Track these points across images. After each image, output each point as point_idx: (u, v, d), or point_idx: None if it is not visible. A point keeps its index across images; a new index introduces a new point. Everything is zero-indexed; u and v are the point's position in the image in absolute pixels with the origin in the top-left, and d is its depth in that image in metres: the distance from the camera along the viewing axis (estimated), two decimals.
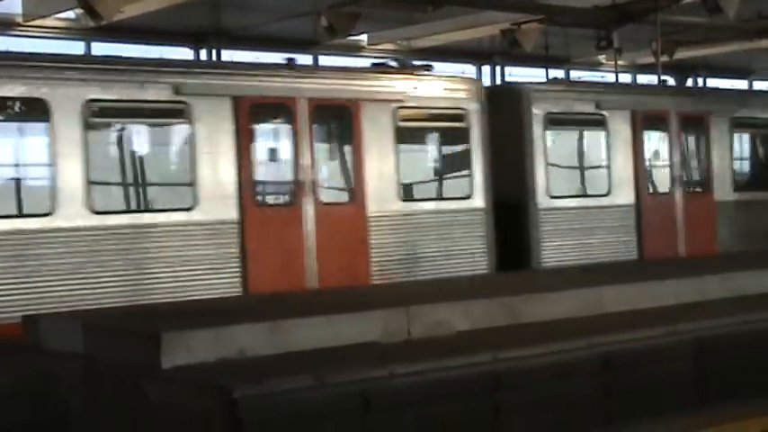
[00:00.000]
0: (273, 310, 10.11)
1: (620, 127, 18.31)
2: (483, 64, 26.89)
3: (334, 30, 19.76)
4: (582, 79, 26.92)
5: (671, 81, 27.86)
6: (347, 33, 20.93)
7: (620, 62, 24.20)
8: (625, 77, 27.80)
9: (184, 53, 22.70)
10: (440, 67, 25.47)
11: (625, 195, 18.31)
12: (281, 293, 13.25)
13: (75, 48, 21.31)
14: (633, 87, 24.39)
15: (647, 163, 18.89)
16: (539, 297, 10.67)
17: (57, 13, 20.53)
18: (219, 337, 8.38)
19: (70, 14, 20.87)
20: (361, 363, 8.20)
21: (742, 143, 21.04)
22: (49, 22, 20.85)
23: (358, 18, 19.82)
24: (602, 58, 27.77)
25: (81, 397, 8.76)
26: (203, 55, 22.66)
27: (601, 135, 18.32)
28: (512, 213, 17.20)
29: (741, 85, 31.20)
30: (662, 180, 19.17)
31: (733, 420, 7.23)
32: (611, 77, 25.78)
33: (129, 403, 8.17)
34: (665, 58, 23.18)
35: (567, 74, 28.16)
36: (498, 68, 26.69)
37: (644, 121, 18.66)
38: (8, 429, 8.75)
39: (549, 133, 17.67)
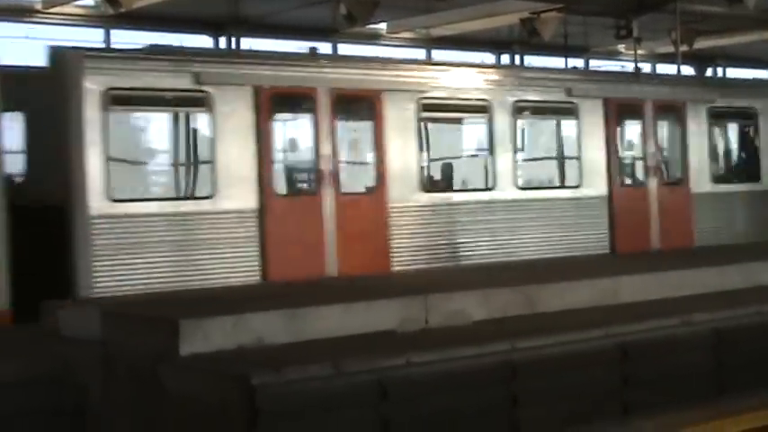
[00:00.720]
0: (292, 298, 10.13)
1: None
2: (502, 53, 26.78)
3: (353, 18, 19.70)
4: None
5: (690, 70, 27.79)
6: (366, 22, 20.90)
7: (639, 51, 24.09)
8: (645, 66, 27.67)
9: (204, 41, 22.73)
10: (459, 56, 25.56)
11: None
12: (298, 281, 13.27)
13: (95, 35, 21.33)
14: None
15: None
16: (555, 286, 10.65)
17: (76, 0, 20.54)
18: (238, 325, 8.40)
19: (89, 2, 20.89)
20: (378, 351, 8.20)
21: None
22: (68, 9, 20.87)
23: (377, 6, 19.77)
24: (621, 47, 27.66)
25: (98, 384, 8.78)
26: (222, 43, 22.65)
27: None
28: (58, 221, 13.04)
29: (761, 74, 31.04)
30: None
31: (749, 411, 7.22)
32: (627, 66, 25.76)
33: (146, 390, 8.18)
34: (684, 48, 23.06)
35: (586, 63, 28.06)
36: (517, 57, 26.59)
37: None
38: (27, 414, 8.79)
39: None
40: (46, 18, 20.83)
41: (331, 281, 13.72)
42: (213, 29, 22.64)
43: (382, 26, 24.23)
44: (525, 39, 23.37)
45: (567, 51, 24.89)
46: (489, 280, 11.71)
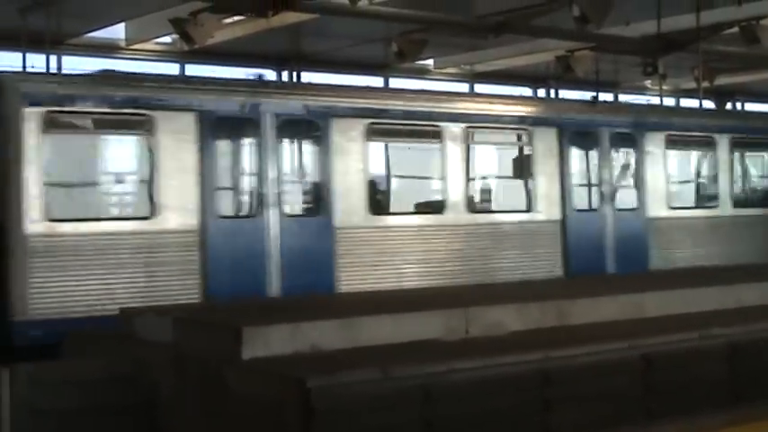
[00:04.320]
0: (344, 309, 10.13)
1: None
2: (539, 87, 26.76)
3: (403, 54, 19.73)
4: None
5: (711, 105, 27.58)
6: (415, 58, 20.94)
7: (664, 87, 23.91)
8: (669, 101, 27.50)
9: (268, 75, 22.85)
10: (500, 89, 25.52)
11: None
12: (352, 293, 13.28)
13: (171, 69, 21.51)
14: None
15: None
16: (585, 301, 10.57)
17: (155, 37, 20.74)
18: (295, 333, 8.41)
19: (167, 39, 21.07)
20: (423, 358, 8.18)
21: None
22: (148, 45, 21.08)
23: (425, 44, 19.79)
24: (647, 83, 27.50)
25: (169, 382, 8.83)
26: (285, 77, 22.77)
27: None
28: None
29: None
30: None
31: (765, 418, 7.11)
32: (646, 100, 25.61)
33: (211, 390, 8.21)
34: (706, 84, 22.86)
35: (616, 97, 27.92)
36: (552, 91, 26.51)
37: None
38: (104, 409, 8.86)
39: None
40: (128, 54, 21.06)
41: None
42: (277, 64, 22.78)
43: (430, 62, 24.28)
44: (560, 74, 23.28)
45: (598, 86, 24.80)
46: (525, 294, 11.65)
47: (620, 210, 17.36)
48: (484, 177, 17.15)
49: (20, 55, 18.07)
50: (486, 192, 17.11)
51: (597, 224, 17.01)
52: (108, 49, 20.91)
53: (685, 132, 18.96)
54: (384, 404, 7.50)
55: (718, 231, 18.70)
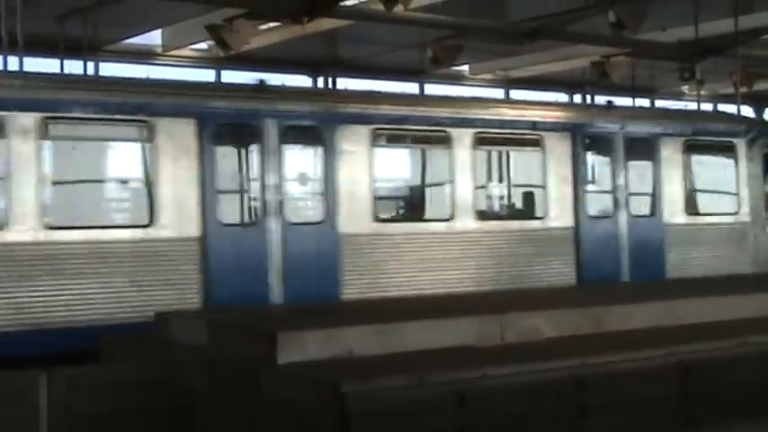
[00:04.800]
0: (379, 314, 10.14)
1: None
2: (574, 93, 26.69)
3: (438, 61, 19.79)
4: None
5: (749, 111, 27.40)
6: (451, 64, 20.97)
7: (702, 92, 23.78)
8: (707, 106, 27.34)
9: (303, 81, 22.95)
10: (534, 95, 25.49)
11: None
12: (386, 299, 13.27)
13: (207, 75, 21.65)
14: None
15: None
16: (621, 308, 10.53)
17: (192, 44, 20.88)
18: (330, 338, 8.43)
19: (203, 45, 21.20)
20: (457, 364, 8.17)
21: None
22: (184, 52, 21.22)
23: (461, 50, 19.83)
24: (685, 88, 27.36)
25: (203, 386, 8.87)
26: (320, 83, 22.86)
27: None
28: None
29: None
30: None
31: None
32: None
33: (246, 393, 8.25)
34: (743, 89, 22.71)
35: (652, 102, 27.79)
36: (588, 97, 26.42)
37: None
38: (139, 412, 8.94)
39: None
40: (164, 60, 21.21)
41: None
42: (312, 70, 22.87)
43: (465, 68, 24.28)
44: (596, 80, 23.22)
45: (634, 92, 24.71)
46: (560, 301, 11.62)
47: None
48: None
49: (57, 62, 18.24)
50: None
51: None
52: (144, 56, 21.06)
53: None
54: (419, 410, 7.51)
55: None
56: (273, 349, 8.04)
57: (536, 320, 9.66)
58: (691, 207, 17.68)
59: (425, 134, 15.11)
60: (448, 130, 15.12)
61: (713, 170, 18.65)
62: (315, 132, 14.06)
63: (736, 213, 18.22)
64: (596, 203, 16.68)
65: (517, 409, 7.89)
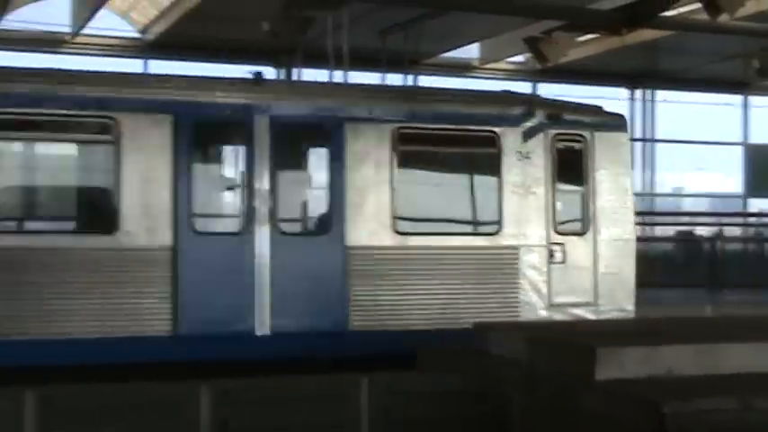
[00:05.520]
0: (700, 333, 9.89)
1: None
2: None
3: (765, 72, 18.98)
4: None
5: None
6: None
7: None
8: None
9: (619, 94, 22.75)
10: None
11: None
12: (705, 318, 12.91)
13: (524, 88, 21.85)
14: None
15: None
16: None
17: (508, 56, 21.18)
18: (650, 356, 8.31)
19: (519, 58, 21.45)
20: None
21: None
22: (500, 65, 21.56)
23: None
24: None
25: (522, 398, 8.96)
26: (638, 95, 22.59)
27: None
28: None
29: None
30: None
31: None
32: None
33: (563, 408, 8.26)
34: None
35: None
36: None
37: None
38: (454, 422, 9.14)
39: None
40: (480, 73, 21.67)
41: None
42: (629, 82, 22.62)
43: None
44: None
45: None
46: None
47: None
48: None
49: (379, 75, 18.97)
50: None
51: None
52: (461, 69, 21.58)
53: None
54: None
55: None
56: (592, 365, 8.02)
57: None
58: (407, 222, 12.61)
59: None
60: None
61: (454, 171, 13.48)
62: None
63: (494, 234, 12.92)
64: (216, 213, 12.97)
65: None
